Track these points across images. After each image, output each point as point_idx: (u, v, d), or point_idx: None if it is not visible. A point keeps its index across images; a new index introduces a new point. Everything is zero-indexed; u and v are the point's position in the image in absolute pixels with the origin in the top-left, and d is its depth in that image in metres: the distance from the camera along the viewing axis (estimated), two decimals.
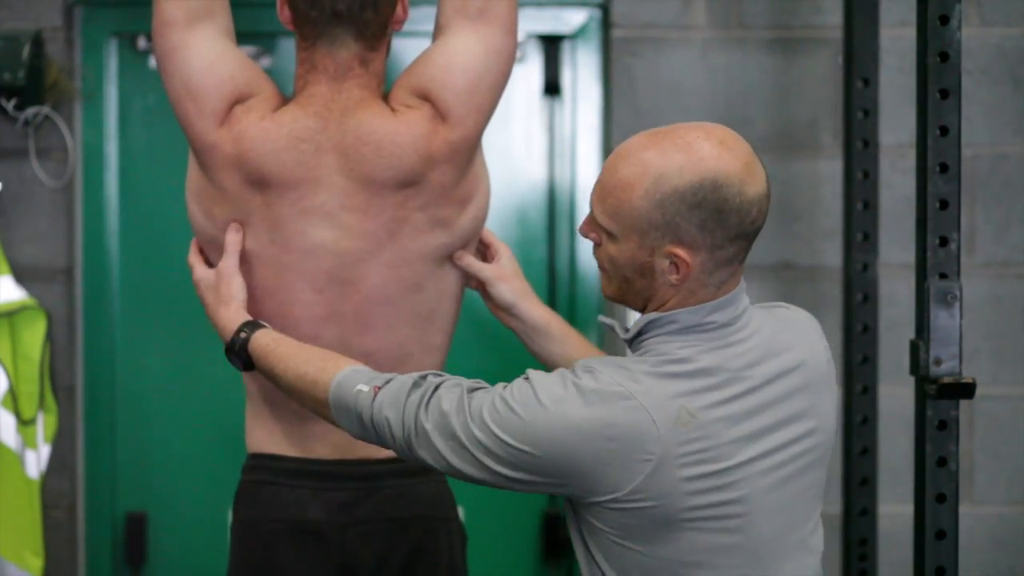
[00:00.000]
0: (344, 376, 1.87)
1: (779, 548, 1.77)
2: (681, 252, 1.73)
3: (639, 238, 1.74)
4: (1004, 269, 3.20)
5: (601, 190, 1.77)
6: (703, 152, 1.72)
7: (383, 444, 1.84)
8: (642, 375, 1.72)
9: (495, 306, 2.20)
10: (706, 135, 1.74)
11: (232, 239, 2.08)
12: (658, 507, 1.71)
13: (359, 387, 1.85)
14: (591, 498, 1.73)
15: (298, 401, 1.95)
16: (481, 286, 2.19)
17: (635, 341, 1.80)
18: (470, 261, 2.16)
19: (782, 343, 1.80)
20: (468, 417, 1.76)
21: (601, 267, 1.82)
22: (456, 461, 1.77)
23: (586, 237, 1.81)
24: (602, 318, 1.88)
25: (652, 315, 1.77)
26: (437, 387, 1.81)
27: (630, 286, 1.79)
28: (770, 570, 1.76)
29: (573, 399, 1.71)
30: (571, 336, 2.15)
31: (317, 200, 2.07)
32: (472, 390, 1.80)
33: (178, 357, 3.21)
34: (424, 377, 1.83)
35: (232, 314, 2.05)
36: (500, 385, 1.79)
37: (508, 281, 2.18)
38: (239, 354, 2.01)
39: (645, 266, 1.76)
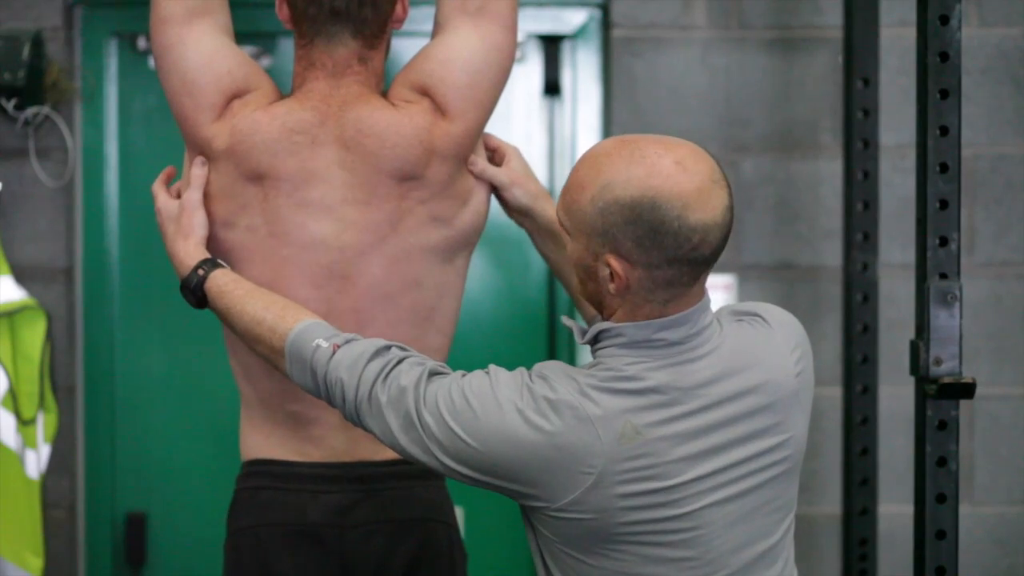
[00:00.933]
0: (304, 327, 1.86)
1: (739, 561, 1.75)
2: (615, 264, 1.71)
3: (586, 240, 1.73)
4: (1004, 269, 3.20)
5: (565, 185, 1.77)
6: (655, 168, 1.68)
7: (331, 403, 1.84)
8: (591, 389, 1.71)
9: (511, 209, 2.19)
10: (665, 151, 1.70)
11: (198, 172, 2.08)
12: (595, 520, 1.70)
13: (318, 341, 1.84)
14: (530, 502, 1.74)
15: (251, 347, 1.93)
16: (496, 190, 2.18)
17: (593, 347, 1.80)
18: (484, 166, 2.16)
19: (744, 361, 1.76)
20: (422, 400, 1.75)
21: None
22: (404, 439, 1.77)
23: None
24: (565, 319, 1.86)
25: (603, 325, 1.76)
26: (400, 360, 1.80)
27: (584, 287, 1.80)
28: None
29: (527, 403, 1.71)
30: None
31: (315, 193, 2.06)
32: (433, 373, 1.79)
33: (178, 357, 3.21)
34: (388, 348, 1.82)
35: (191, 248, 2.03)
36: (459, 373, 1.78)
37: (522, 184, 2.17)
38: (194, 291, 1.99)
39: (590, 269, 1.75)
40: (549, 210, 2.16)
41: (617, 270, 1.71)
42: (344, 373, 1.81)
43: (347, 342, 1.83)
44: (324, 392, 1.84)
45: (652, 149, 1.71)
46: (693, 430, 1.72)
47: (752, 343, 1.79)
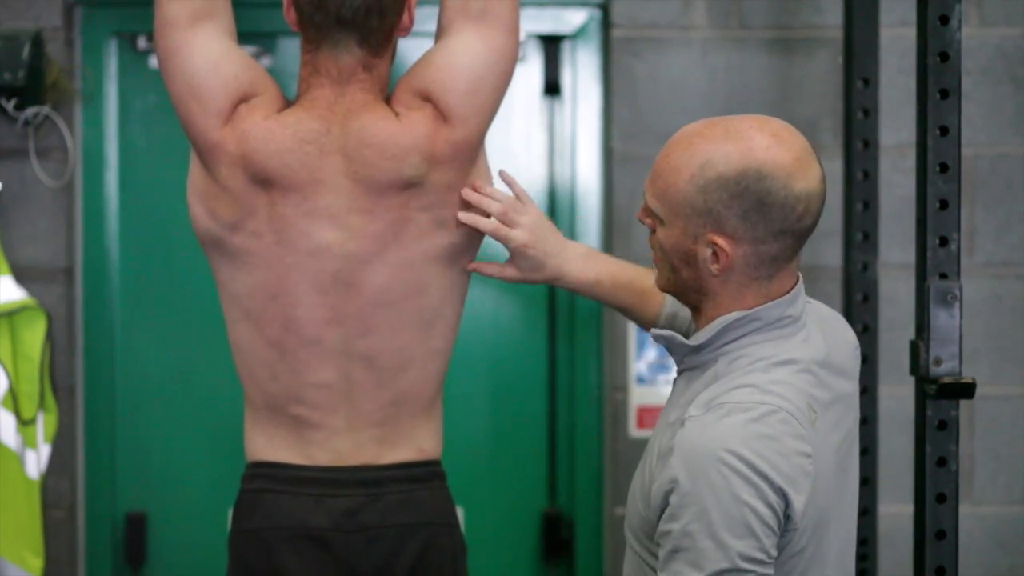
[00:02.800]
0: None
1: (839, 543, 1.76)
2: (721, 241, 1.70)
3: (683, 223, 1.72)
4: (1004, 269, 3.20)
5: (653, 173, 1.76)
6: (753, 142, 1.70)
7: None
8: (769, 384, 1.68)
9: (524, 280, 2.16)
10: (760, 126, 1.72)
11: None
12: (816, 512, 1.67)
13: None
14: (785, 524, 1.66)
15: None
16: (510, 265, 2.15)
17: (707, 348, 1.76)
18: (495, 226, 2.10)
19: (832, 336, 1.81)
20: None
21: (654, 256, 1.80)
22: None
23: (642, 223, 1.80)
24: (654, 331, 1.83)
25: (731, 316, 1.73)
26: None
27: (678, 275, 1.77)
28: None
29: (722, 431, 1.63)
30: (619, 290, 2.13)
31: (322, 202, 2.07)
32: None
33: (178, 357, 3.21)
34: None
35: None
36: (667, 551, 1.64)
37: (537, 270, 2.13)
38: None
39: (689, 254, 1.73)
40: (573, 274, 2.12)
41: (724, 247, 1.70)
42: None
43: None
44: None
45: (746, 125, 1.72)
46: (825, 403, 1.74)
47: (827, 319, 1.83)
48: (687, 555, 1.62)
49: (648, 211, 1.77)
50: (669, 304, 2.09)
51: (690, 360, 1.78)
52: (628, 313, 2.16)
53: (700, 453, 1.63)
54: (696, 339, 1.77)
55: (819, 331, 1.80)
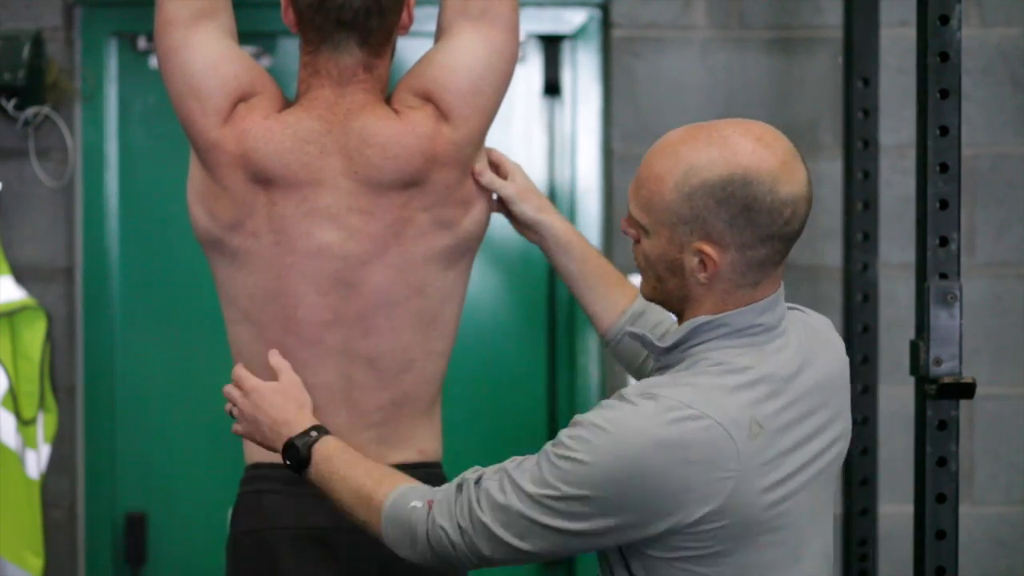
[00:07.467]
0: (400, 493, 1.83)
1: (809, 554, 1.74)
2: (708, 249, 1.68)
3: (669, 232, 1.70)
4: (1004, 269, 3.20)
5: (636, 183, 1.74)
6: (737, 147, 1.67)
7: (445, 559, 1.78)
8: (711, 390, 1.66)
9: (519, 224, 2.18)
10: (744, 131, 1.69)
11: (278, 361, 2.05)
12: (735, 523, 1.66)
13: (413, 504, 1.80)
14: (663, 527, 1.66)
15: (348, 512, 1.90)
16: (503, 205, 2.17)
17: (677, 349, 1.74)
18: (492, 178, 2.15)
19: (812, 350, 1.76)
20: (522, 493, 1.70)
21: (639, 266, 1.78)
22: (528, 543, 1.70)
23: (625, 234, 1.78)
24: (630, 328, 1.83)
25: (699, 320, 1.72)
26: (479, 480, 1.76)
27: (664, 285, 1.75)
28: None
29: (641, 427, 1.64)
30: (590, 256, 2.13)
31: (322, 202, 2.07)
32: (516, 468, 1.73)
33: (178, 357, 3.21)
34: (463, 479, 1.78)
35: (306, 415, 2.01)
36: (548, 444, 1.71)
37: (528, 199, 2.16)
38: (300, 451, 1.95)
39: (675, 263, 1.71)
40: (556, 222, 2.15)
41: (710, 255, 1.68)
42: (442, 520, 1.76)
43: (435, 494, 1.80)
44: (428, 550, 1.78)
45: (729, 129, 1.70)
46: (792, 420, 1.70)
47: (811, 330, 1.80)
48: (527, 470, 1.70)
49: (633, 222, 1.75)
50: (638, 302, 2.09)
51: (663, 360, 1.78)
52: (590, 302, 2.14)
53: (610, 425, 1.66)
54: (665, 341, 1.76)
55: (801, 343, 1.76)
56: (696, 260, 1.69)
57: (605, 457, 1.64)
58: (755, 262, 1.70)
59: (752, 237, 1.68)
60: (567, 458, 1.66)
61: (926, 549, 2.22)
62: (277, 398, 2.03)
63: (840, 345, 1.84)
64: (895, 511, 3.08)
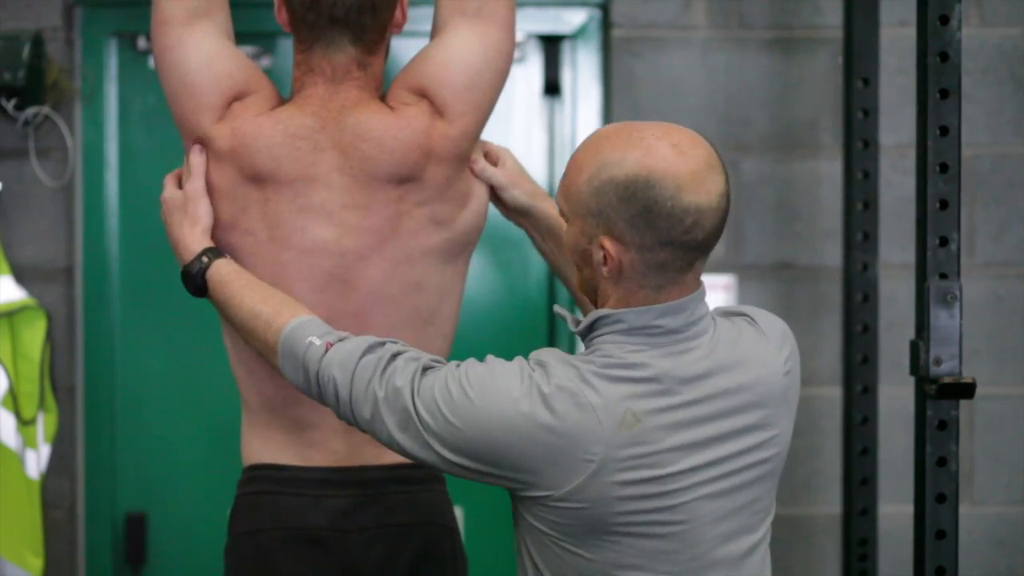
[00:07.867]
0: (298, 324, 1.86)
1: (722, 554, 1.75)
2: (609, 245, 1.71)
3: (581, 223, 1.74)
4: (1004, 269, 3.20)
5: (565, 170, 1.78)
6: (651, 150, 1.70)
7: (323, 402, 1.83)
8: (591, 375, 1.71)
9: (509, 210, 2.21)
10: (663, 134, 1.72)
11: (197, 160, 2.08)
12: (591, 509, 1.70)
13: (311, 339, 1.84)
14: (530, 492, 1.72)
15: (246, 340, 1.94)
16: (493, 191, 2.19)
17: (587, 336, 1.78)
18: (484, 165, 2.16)
19: (737, 357, 1.76)
20: (418, 395, 1.75)
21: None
22: (401, 437, 1.76)
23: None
24: (556, 308, 1.86)
25: (601, 312, 1.76)
26: (394, 357, 1.80)
27: (580, 274, 1.80)
28: None
29: (526, 391, 1.70)
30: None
31: (316, 198, 2.07)
32: (427, 368, 1.78)
33: (178, 357, 3.21)
34: (382, 344, 1.82)
35: (197, 236, 2.05)
36: (454, 364, 1.77)
37: (519, 185, 2.19)
38: (195, 278, 2.00)
39: (585, 254, 1.75)
40: (548, 209, 2.17)
41: (610, 251, 1.71)
42: (337, 371, 1.80)
43: (340, 340, 1.83)
44: (316, 391, 1.84)
45: (651, 132, 1.73)
46: (687, 420, 1.72)
47: (743, 341, 1.79)
48: (435, 375, 1.76)
49: (559, 207, 1.80)
50: None
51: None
52: (554, 259, 2.18)
53: (502, 379, 1.73)
54: (574, 327, 1.81)
55: (716, 350, 1.75)
56: (600, 254, 1.73)
57: (486, 406, 1.71)
58: (655, 265, 1.72)
59: (651, 240, 1.70)
60: (462, 388, 1.73)
61: (926, 549, 2.22)
62: (175, 214, 2.08)
63: (782, 358, 1.81)
64: (895, 511, 3.08)
